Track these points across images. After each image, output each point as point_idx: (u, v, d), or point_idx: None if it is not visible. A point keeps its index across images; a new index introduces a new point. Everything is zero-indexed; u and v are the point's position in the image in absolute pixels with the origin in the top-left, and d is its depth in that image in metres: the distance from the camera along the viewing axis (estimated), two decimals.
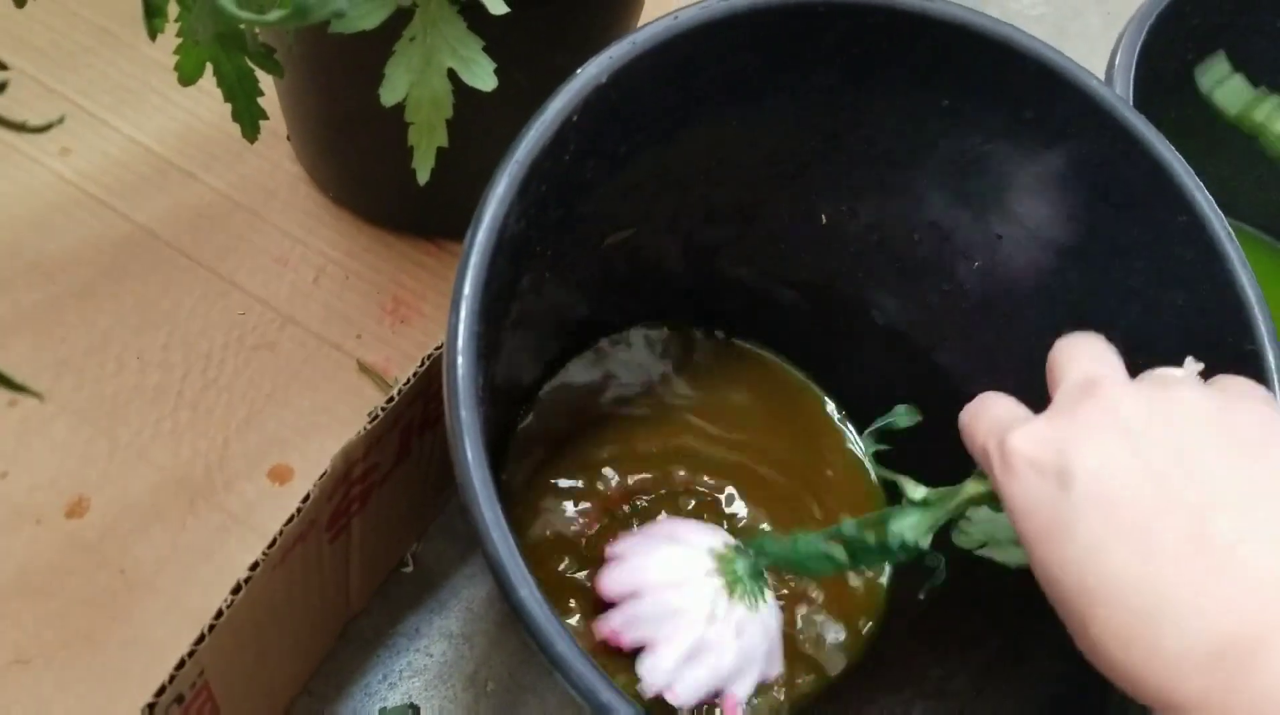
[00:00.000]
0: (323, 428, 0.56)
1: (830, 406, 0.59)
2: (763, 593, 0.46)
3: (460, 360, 0.33)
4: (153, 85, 0.64)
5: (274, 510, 0.53)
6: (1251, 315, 0.40)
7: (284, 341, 0.58)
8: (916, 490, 0.39)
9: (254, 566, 0.34)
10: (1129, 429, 0.31)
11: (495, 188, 0.35)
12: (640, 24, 0.52)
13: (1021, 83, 0.43)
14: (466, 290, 0.33)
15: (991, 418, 0.34)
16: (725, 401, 0.58)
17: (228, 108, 0.44)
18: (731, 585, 0.45)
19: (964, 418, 0.36)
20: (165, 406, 0.55)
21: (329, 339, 0.59)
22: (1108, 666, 0.29)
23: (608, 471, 0.54)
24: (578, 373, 0.57)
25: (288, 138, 0.63)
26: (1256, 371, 0.40)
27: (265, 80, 0.44)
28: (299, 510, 0.35)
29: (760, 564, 0.46)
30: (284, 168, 0.63)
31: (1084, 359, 0.34)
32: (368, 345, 0.59)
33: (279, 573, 0.36)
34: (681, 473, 0.55)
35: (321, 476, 0.36)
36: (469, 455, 0.32)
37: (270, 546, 0.35)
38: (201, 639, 0.34)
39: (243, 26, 0.41)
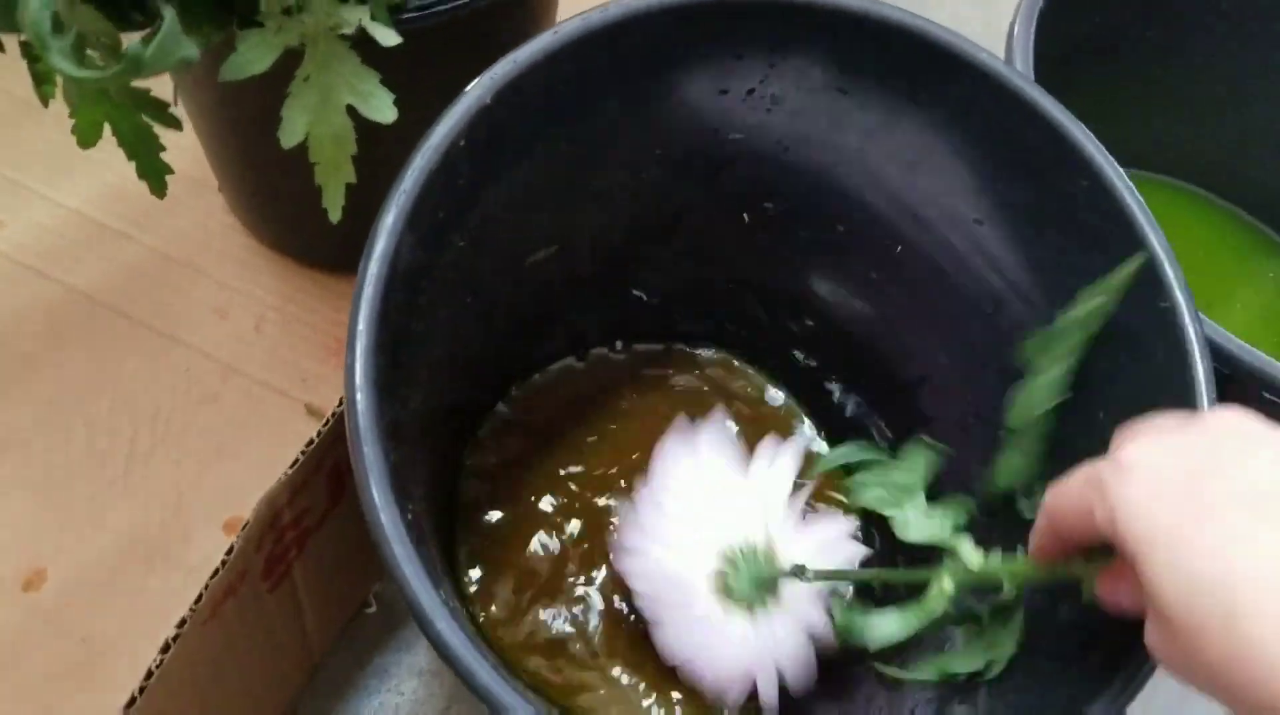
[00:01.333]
0: (275, 475, 0.56)
1: (778, 396, 0.59)
2: (764, 602, 0.46)
3: (359, 396, 0.33)
4: (80, 152, 0.64)
5: None
6: (1163, 273, 0.40)
7: (229, 392, 0.58)
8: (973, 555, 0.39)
9: (181, 623, 0.34)
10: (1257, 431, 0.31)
11: (384, 219, 0.35)
12: None
13: (915, 63, 0.43)
14: (361, 326, 0.33)
15: (1082, 471, 0.34)
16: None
17: None
18: (729, 593, 0.45)
19: (1052, 496, 0.35)
20: (115, 470, 0.55)
21: (274, 385, 0.58)
22: (1259, 666, 0.27)
23: (573, 486, 0.54)
24: (540, 390, 0.57)
25: (219, 189, 0.63)
26: (1173, 325, 0.40)
27: (191, 134, 0.44)
28: (224, 562, 0.35)
29: (768, 571, 0.45)
30: (217, 218, 0.63)
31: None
32: (314, 388, 0.59)
33: (212, 626, 0.36)
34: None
35: (244, 526, 0.36)
36: (374, 493, 0.32)
37: (197, 602, 0.35)
38: (133, 702, 0.34)
39: (135, 83, 0.41)
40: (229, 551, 0.35)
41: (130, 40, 0.34)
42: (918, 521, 0.39)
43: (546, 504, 0.54)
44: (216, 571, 0.35)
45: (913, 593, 0.41)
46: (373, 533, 0.32)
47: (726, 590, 0.45)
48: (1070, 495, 0.34)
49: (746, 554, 0.46)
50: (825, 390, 0.56)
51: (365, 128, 0.44)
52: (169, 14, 0.32)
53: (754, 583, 0.45)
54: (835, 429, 0.57)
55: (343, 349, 0.59)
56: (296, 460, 0.38)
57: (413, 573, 0.31)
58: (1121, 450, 0.32)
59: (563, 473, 0.55)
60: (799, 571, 0.43)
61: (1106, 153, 0.41)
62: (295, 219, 0.60)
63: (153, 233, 0.62)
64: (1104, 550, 0.35)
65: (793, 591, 0.46)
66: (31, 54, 0.39)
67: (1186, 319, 0.39)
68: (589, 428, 0.56)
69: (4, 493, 0.54)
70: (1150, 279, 0.40)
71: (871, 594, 0.49)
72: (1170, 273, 0.40)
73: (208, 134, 0.57)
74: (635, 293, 0.55)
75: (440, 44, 0.48)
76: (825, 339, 0.55)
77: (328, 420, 0.39)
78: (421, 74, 0.44)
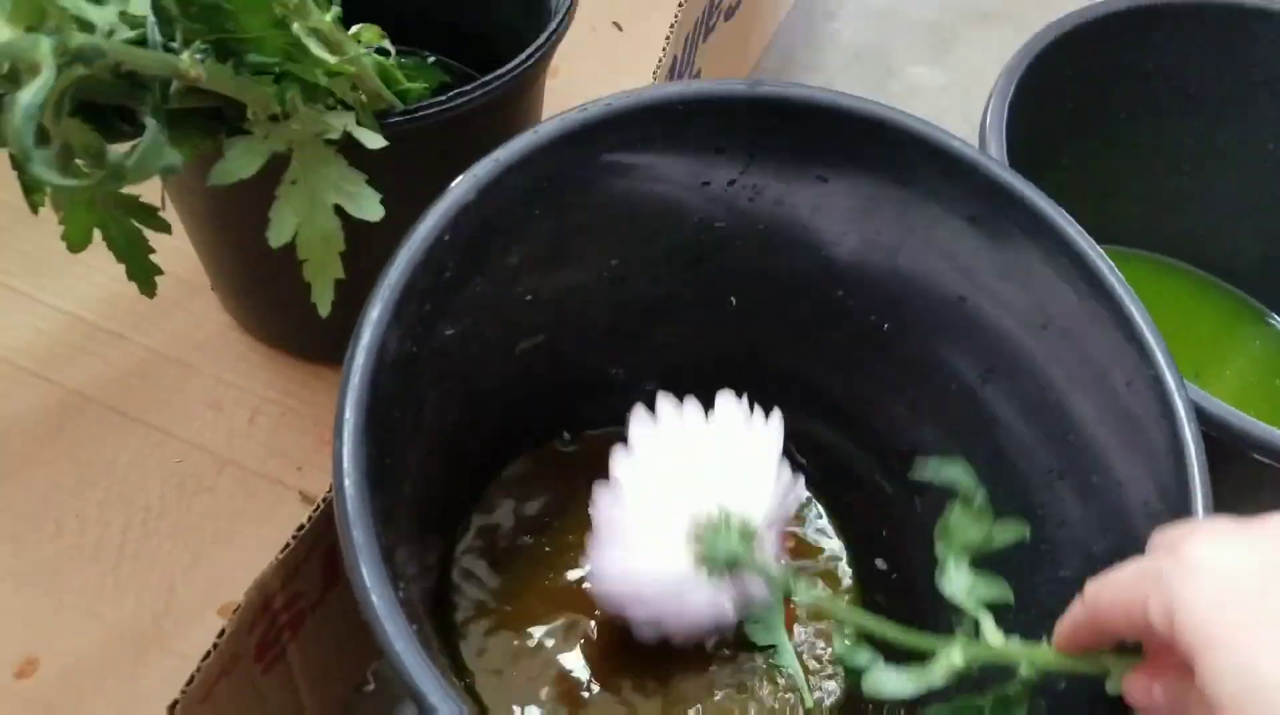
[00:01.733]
0: (269, 561, 0.57)
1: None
2: (739, 565, 0.44)
3: (347, 482, 0.34)
4: (72, 255, 0.65)
5: None
6: (1146, 343, 0.41)
7: (223, 483, 0.59)
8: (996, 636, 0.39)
9: (172, 706, 0.35)
10: None
11: (370, 312, 0.36)
12: None
13: (891, 153, 0.45)
14: (348, 415, 0.35)
15: (1136, 565, 0.34)
16: None
17: None
18: (705, 563, 0.44)
19: (1098, 587, 0.35)
20: (107, 561, 0.56)
21: (269, 475, 0.59)
22: None
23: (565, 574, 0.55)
24: (530, 473, 0.58)
25: (212, 288, 0.64)
26: (1160, 393, 0.41)
27: (182, 234, 0.45)
28: (215, 645, 0.36)
29: (744, 546, 0.44)
30: (212, 317, 0.65)
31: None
32: (309, 476, 0.60)
33: (206, 708, 0.37)
34: None
35: (236, 610, 0.37)
36: (364, 572, 0.33)
37: (189, 684, 0.35)
38: None
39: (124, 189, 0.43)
40: (220, 634, 0.36)
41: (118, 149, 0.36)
42: (959, 577, 0.39)
43: (541, 597, 0.54)
44: (208, 654, 0.36)
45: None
46: (363, 612, 0.32)
47: (702, 557, 0.44)
48: (1120, 588, 0.34)
49: (720, 523, 0.44)
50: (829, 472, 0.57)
51: (354, 224, 0.45)
52: (151, 125, 0.33)
53: (729, 553, 0.44)
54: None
55: None
56: (288, 544, 0.39)
57: (405, 649, 0.32)
58: (1182, 546, 0.32)
59: (556, 561, 0.56)
60: (787, 593, 0.43)
61: (1082, 229, 0.43)
62: (288, 315, 0.61)
63: (147, 333, 0.63)
64: (1135, 646, 0.36)
65: (762, 551, 0.45)
66: (19, 163, 0.41)
67: (1172, 385, 0.40)
68: (580, 510, 0.57)
69: None
70: (1136, 350, 0.41)
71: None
72: (1152, 341, 0.41)
73: (199, 236, 0.59)
74: (624, 376, 0.57)
75: (424, 146, 0.50)
76: (819, 414, 0.56)
77: (318, 505, 0.40)
78: (409, 171, 0.46)
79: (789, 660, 0.53)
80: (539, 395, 0.55)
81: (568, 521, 0.57)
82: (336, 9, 0.41)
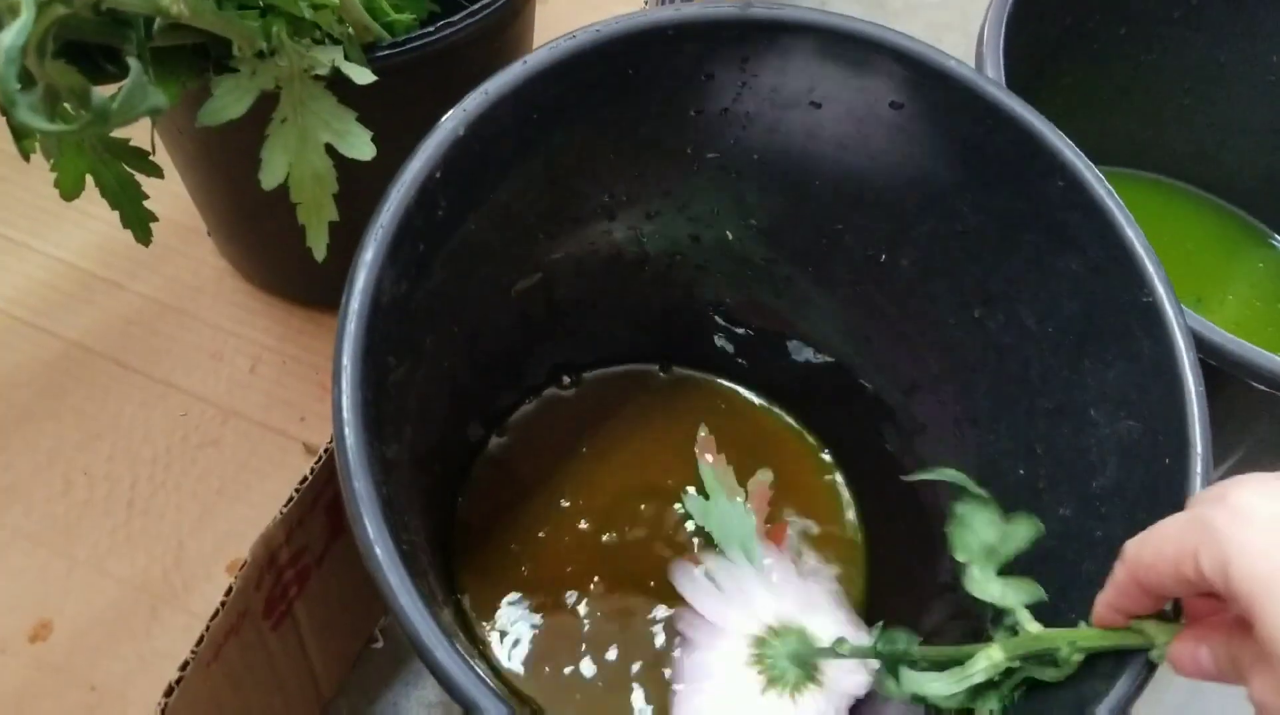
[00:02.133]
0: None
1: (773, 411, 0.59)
2: (812, 678, 0.46)
3: (348, 431, 0.33)
4: (69, 204, 0.64)
5: None
6: (1143, 268, 0.40)
7: (228, 435, 0.58)
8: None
9: (184, 666, 0.34)
10: None
11: (363, 254, 0.35)
12: None
13: (886, 74, 0.43)
14: (345, 361, 0.34)
15: (1179, 518, 0.33)
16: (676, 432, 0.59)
17: None
18: (771, 678, 0.45)
19: (1139, 544, 0.34)
20: (117, 518, 0.55)
21: (273, 426, 0.59)
22: None
23: (571, 518, 0.55)
24: (531, 419, 0.57)
25: (208, 234, 0.63)
26: (1157, 321, 0.40)
27: (178, 180, 0.44)
28: (223, 603, 0.35)
29: (805, 649, 0.46)
30: (209, 263, 0.64)
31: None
32: (312, 426, 0.59)
33: (216, 668, 0.36)
34: (643, 507, 0.55)
35: (242, 566, 0.36)
36: (367, 525, 0.32)
37: (198, 644, 0.35)
38: None
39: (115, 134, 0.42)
40: (228, 592, 0.36)
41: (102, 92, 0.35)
42: (986, 582, 0.38)
43: (549, 539, 0.54)
44: (216, 613, 0.35)
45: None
46: (367, 563, 0.32)
47: (764, 668, 0.45)
48: (1166, 541, 0.33)
49: (781, 631, 0.46)
50: (822, 403, 0.57)
51: (345, 164, 0.44)
52: (135, 65, 0.32)
53: (792, 659, 0.45)
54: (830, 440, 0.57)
55: None
56: (291, 498, 0.38)
57: (409, 603, 0.31)
58: (1231, 495, 0.31)
59: (563, 505, 0.55)
60: (837, 646, 0.43)
61: (1080, 153, 0.42)
62: (284, 260, 0.60)
63: (144, 281, 0.62)
64: (1175, 612, 0.35)
65: (832, 668, 0.46)
66: (4, 109, 0.40)
67: (1170, 312, 0.39)
68: (583, 456, 0.57)
69: (8, 545, 0.54)
70: (1131, 275, 0.40)
71: None
72: (1150, 267, 0.40)
73: (193, 180, 0.58)
74: (620, 318, 0.56)
75: (413, 79, 0.48)
76: (820, 349, 0.55)
77: (320, 457, 0.39)
78: (397, 109, 0.44)
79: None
80: (535, 338, 0.54)
81: (570, 467, 0.56)
82: None
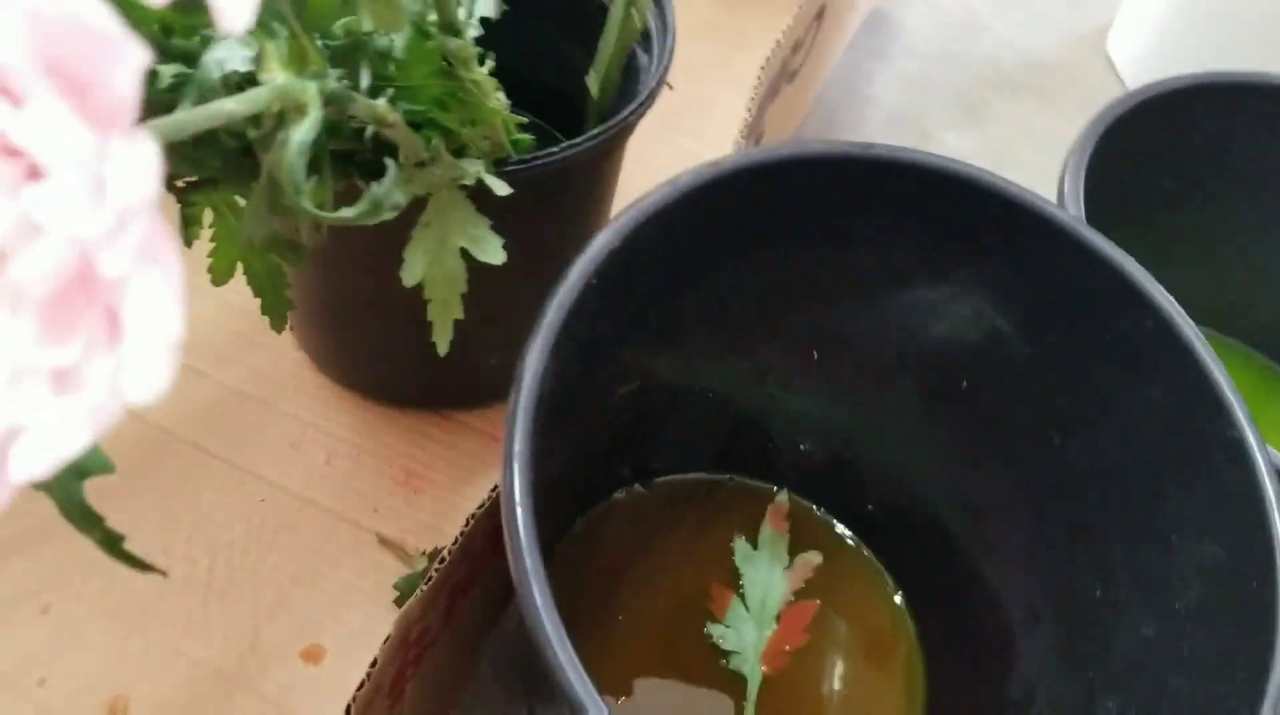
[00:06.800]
0: (350, 604, 0.57)
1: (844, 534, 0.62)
2: None
3: (519, 511, 0.35)
4: None
5: (309, 692, 0.54)
6: (1227, 402, 0.43)
7: (304, 523, 0.60)
8: None
9: None
10: None
11: (533, 349, 0.38)
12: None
13: (981, 213, 0.47)
14: (517, 447, 0.36)
15: None
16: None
17: (230, 305, 0.47)
18: None
19: None
20: (195, 598, 0.56)
21: (346, 516, 0.60)
22: None
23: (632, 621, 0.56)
24: (598, 525, 0.59)
25: (290, 327, 0.65)
26: (1241, 454, 0.42)
27: None
28: (368, 675, 0.36)
29: None
30: (289, 356, 0.66)
31: None
32: (385, 518, 0.61)
33: None
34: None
35: (385, 641, 0.38)
36: (538, 600, 0.34)
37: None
38: None
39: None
40: (372, 664, 0.37)
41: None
42: None
43: (604, 636, 0.55)
44: (362, 684, 0.37)
45: None
46: (534, 637, 0.33)
47: None
48: None
49: None
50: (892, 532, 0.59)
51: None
52: (391, 165, 0.35)
53: None
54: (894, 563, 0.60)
55: (411, 481, 0.62)
56: (429, 578, 0.40)
57: (575, 677, 0.33)
58: None
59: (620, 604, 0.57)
60: None
61: (1164, 290, 0.45)
62: (370, 357, 0.62)
63: (226, 370, 0.64)
64: None
65: None
66: (186, 199, 0.43)
67: (1254, 446, 0.42)
68: (642, 562, 0.59)
69: (88, 620, 0.55)
70: (1216, 410, 0.43)
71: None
72: (1234, 403, 0.43)
73: (291, 274, 0.60)
74: (695, 432, 0.58)
75: (530, 192, 0.52)
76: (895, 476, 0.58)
77: (457, 538, 0.41)
78: (515, 220, 0.47)
79: None
80: (622, 440, 0.57)
81: (638, 575, 0.58)
82: (490, 63, 0.43)
